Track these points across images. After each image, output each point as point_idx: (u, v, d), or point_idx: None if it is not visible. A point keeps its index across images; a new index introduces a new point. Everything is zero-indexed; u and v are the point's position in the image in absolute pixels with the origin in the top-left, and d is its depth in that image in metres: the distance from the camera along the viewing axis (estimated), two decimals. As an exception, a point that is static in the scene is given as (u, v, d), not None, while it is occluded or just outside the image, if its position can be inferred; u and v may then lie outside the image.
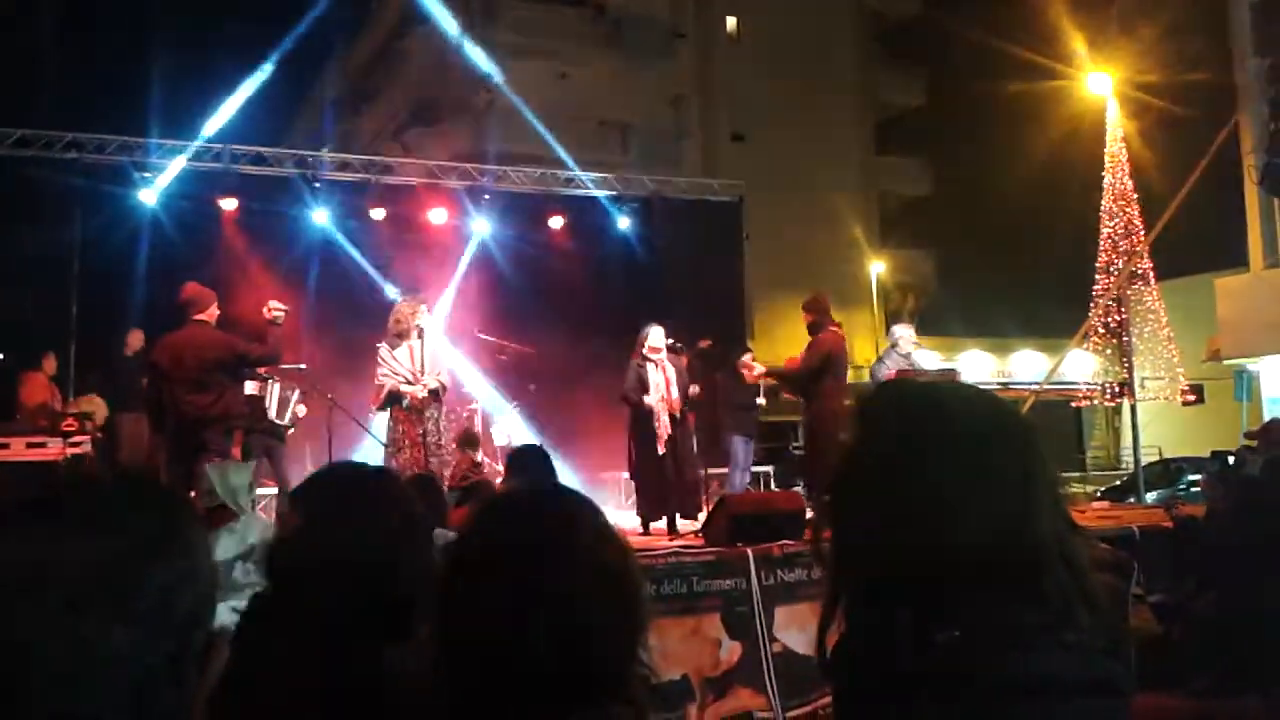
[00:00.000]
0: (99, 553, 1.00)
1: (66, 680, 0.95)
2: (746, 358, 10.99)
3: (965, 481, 1.08)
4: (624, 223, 15.27)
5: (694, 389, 9.31)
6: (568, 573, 1.31)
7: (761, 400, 10.68)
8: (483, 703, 1.26)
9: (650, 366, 8.86)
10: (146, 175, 12.60)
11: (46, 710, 0.95)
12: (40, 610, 0.96)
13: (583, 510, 1.42)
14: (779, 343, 21.45)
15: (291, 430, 9.15)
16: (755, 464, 12.00)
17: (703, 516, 8.78)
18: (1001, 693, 0.99)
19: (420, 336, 7.82)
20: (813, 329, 9.26)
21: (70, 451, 7.96)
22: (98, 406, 9.54)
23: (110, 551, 1.00)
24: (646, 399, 8.74)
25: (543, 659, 1.25)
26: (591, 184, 15.66)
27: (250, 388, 8.26)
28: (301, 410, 9.21)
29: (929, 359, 14.57)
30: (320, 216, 13.35)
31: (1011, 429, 1.16)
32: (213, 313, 7.19)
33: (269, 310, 7.24)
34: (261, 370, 8.28)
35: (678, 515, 8.75)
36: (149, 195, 12.49)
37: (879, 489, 1.13)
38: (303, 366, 9.70)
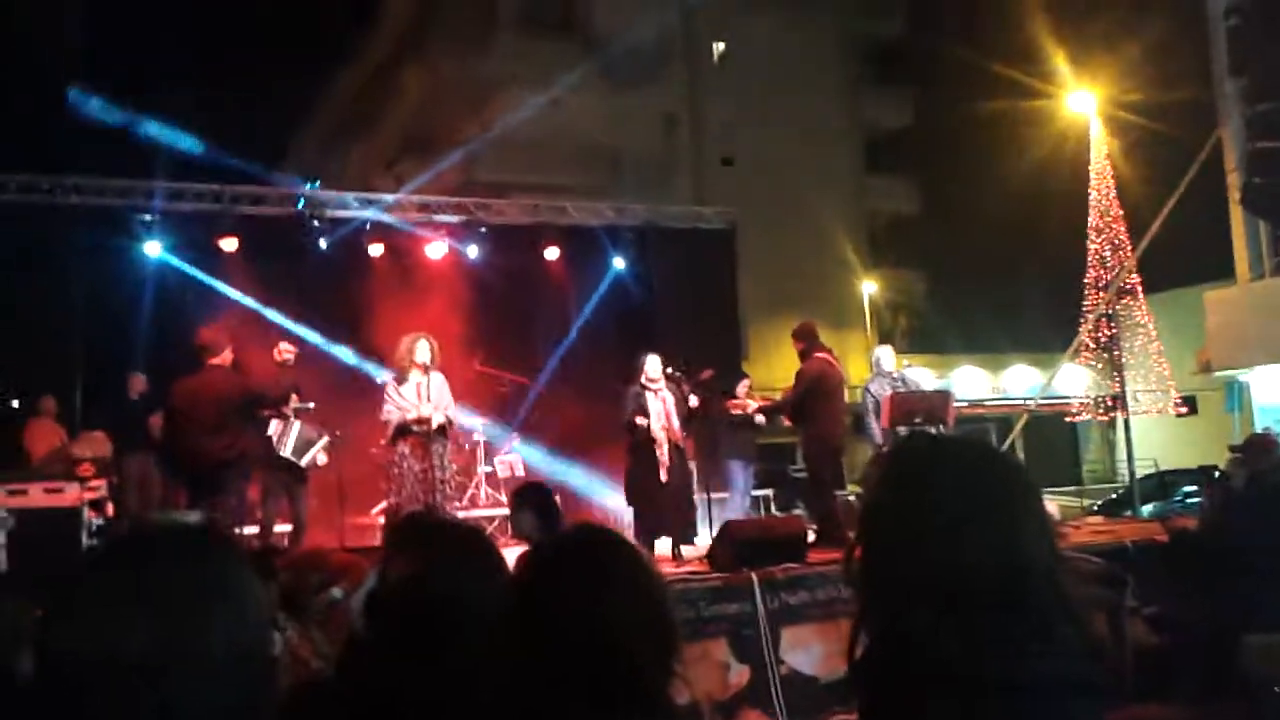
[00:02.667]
0: (156, 634, 1.13)
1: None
2: (742, 387, 11.15)
3: (965, 519, 1.29)
4: (618, 256, 15.40)
5: (693, 400, 9.41)
6: (616, 602, 1.56)
7: (761, 419, 10.82)
8: (541, 713, 1.49)
9: (649, 395, 8.99)
10: (147, 218, 12.75)
11: None
12: (116, 685, 1.11)
13: (624, 547, 1.68)
14: (775, 364, 21.65)
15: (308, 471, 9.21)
16: (755, 487, 12.14)
17: (699, 541, 8.96)
18: (999, 693, 1.19)
19: (426, 372, 7.96)
20: (802, 357, 9.49)
21: (87, 496, 8.07)
22: (99, 443, 9.59)
23: (165, 631, 1.14)
24: (642, 421, 8.87)
25: (594, 677, 1.50)
26: (584, 214, 15.84)
27: (273, 427, 8.38)
28: (322, 459, 9.27)
29: (922, 376, 14.77)
30: (320, 252, 13.50)
31: (1004, 474, 1.37)
32: (226, 356, 7.37)
33: (280, 353, 7.42)
34: (285, 410, 8.42)
35: (672, 540, 8.86)
36: (151, 240, 12.64)
37: (897, 527, 1.34)
38: (310, 405, 9.83)
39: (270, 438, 8.53)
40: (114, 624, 1.13)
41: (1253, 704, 6.16)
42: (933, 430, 8.78)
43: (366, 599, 2.10)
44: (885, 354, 10.09)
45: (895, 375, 9.85)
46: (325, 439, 9.22)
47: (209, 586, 1.20)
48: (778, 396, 11.14)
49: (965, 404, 25.78)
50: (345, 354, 12.33)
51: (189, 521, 1.25)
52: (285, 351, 7.41)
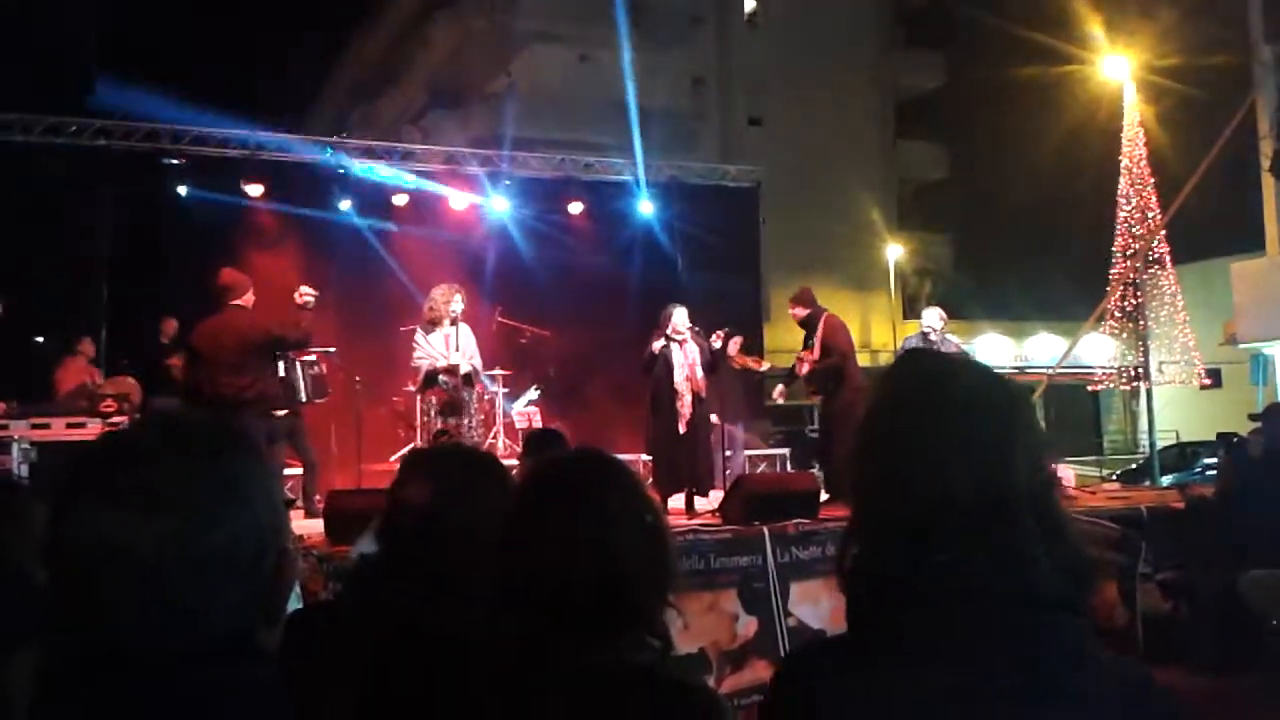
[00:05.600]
0: (163, 531, 1.12)
1: (155, 635, 1.12)
2: (733, 346, 10.87)
3: (953, 442, 1.29)
4: (642, 213, 15.37)
5: (718, 336, 9.20)
6: (610, 524, 1.57)
7: (781, 388, 10.78)
8: (537, 635, 1.50)
9: (674, 346, 8.94)
10: (174, 162, 12.81)
11: (142, 657, 1.11)
12: (123, 579, 1.11)
13: (621, 472, 1.68)
14: (796, 327, 21.54)
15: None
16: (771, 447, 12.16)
17: (715, 494, 8.96)
18: (983, 603, 1.20)
19: (454, 323, 8.04)
20: (809, 321, 9.35)
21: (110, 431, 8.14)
22: (130, 388, 9.69)
23: (172, 529, 1.12)
24: (664, 353, 8.75)
25: (588, 596, 1.51)
26: (608, 169, 15.81)
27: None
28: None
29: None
30: (345, 202, 13.55)
31: (998, 398, 1.35)
32: (249, 298, 7.42)
33: (299, 295, 7.45)
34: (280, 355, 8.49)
35: (686, 493, 8.85)
36: (176, 182, 12.70)
37: (886, 447, 1.34)
38: (332, 350, 9.87)
39: (291, 381, 8.59)
40: (117, 518, 1.12)
41: (1265, 674, 6.16)
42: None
43: (378, 522, 2.12)
44: (928, 316, 10.09)
45: (934, 338, 9.83)
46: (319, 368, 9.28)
47: (217, 482, 1.17)
48: (791, 362, 11.06)
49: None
50: (366, 301, 12.36)
51: (202, 417, 1.23)
52: (305, 294, 7.44)
